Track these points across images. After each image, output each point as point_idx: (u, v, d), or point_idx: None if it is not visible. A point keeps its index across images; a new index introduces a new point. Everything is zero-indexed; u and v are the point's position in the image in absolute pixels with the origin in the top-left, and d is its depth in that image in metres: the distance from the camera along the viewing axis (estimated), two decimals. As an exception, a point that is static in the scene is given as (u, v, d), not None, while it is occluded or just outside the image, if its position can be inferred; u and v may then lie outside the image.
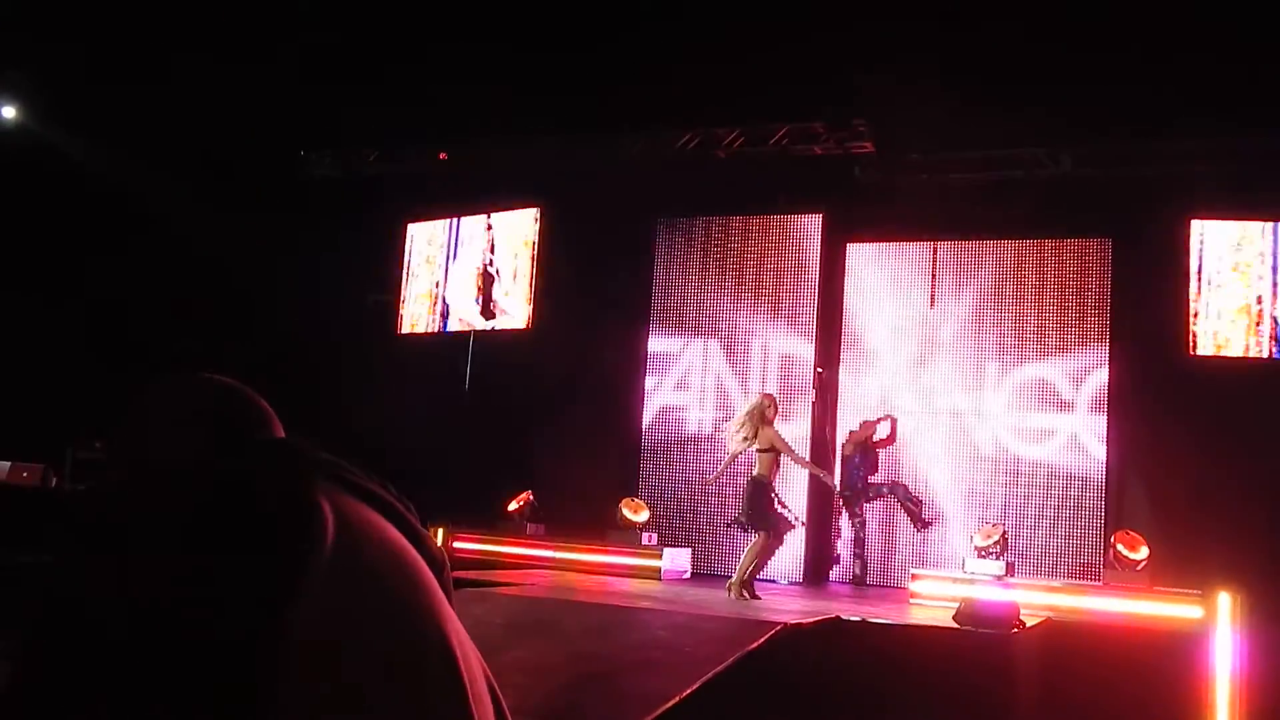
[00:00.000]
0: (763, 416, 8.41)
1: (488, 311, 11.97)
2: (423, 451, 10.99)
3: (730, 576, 8.66)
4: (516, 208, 11.94)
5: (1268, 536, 8.88)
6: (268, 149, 12.13)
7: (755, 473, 8.46)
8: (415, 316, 12.59)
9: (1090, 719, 6.64)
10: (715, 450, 11.05)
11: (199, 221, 11.52)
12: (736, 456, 8.74)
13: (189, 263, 11.66)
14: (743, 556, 8.62)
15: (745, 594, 8.34)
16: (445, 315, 12.37)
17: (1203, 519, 9.10)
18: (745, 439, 8.45)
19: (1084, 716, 6.64)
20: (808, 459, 9.62)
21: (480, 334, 12.03)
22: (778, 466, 8.49)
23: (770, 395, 8.84)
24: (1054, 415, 10.23)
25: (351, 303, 12.91)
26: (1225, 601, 7.35)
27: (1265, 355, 9.55)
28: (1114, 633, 7.67)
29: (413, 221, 12.66)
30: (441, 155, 12.54)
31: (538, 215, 11.77)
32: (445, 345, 12.29)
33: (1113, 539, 8.97)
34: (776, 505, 8.41)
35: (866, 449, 10.58)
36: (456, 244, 12.40)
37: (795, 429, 10.26)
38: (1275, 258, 9.64)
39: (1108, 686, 6.85)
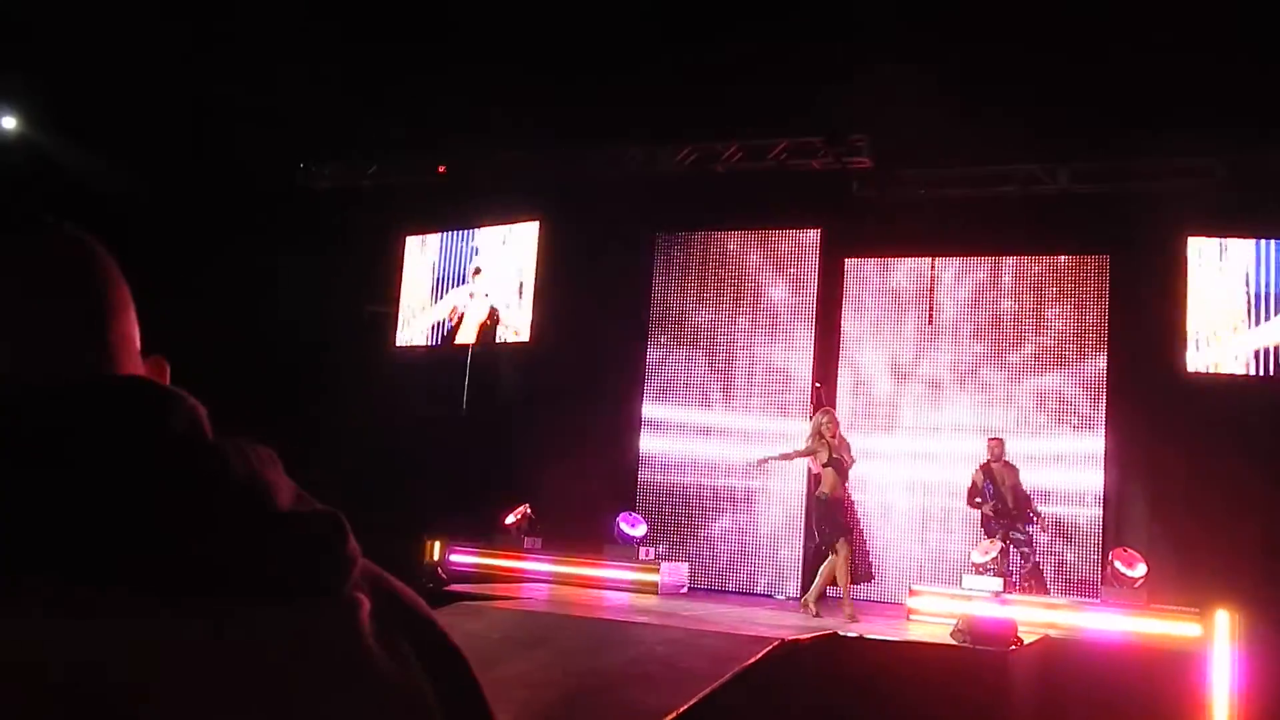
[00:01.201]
0: (819, 434, 8.59)
1: (485, 323, 11.95)
2: (419, 463, 10.96)
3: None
4: (516, 221, 11.95)
5: (1265, 554, 8.86)
6: (268, 160, 12.13)
7: (820, 491, 8.57)
8: (413, 328, 12.57)
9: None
10: (712, 464, 11.04)
11: (198, 231, 11.50)
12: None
13: (186, 271, 11.64)
14: (819, 575, 8.65)
15: (850, 611, 8.36)
16: (442, 327, 12.35)
17: (1200, 536, 9.08)
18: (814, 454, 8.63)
19: (1082, 734, 6.61)
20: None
21: (478, 346, 12.02)
22: (844, 479, 8.62)
23: (828, 410, 8.95)
24: (1052, 431, 10.21)
25: (349, 314, 12.89)
26: (1223, 619, 7.33)
27: (1262, 373, 9.55)
28: (1111, 651, 7.64)
29: (411, 234, 12.65)
30: (440, 168, 12.55)
31: (537, 228, 11.77)
32: (442, 357, 12.28)
33: (1110, 556, 8.93)
34: (846, 515, 8.62)
35: (990, 472, 9.66)
36: (454, 256, 12.40)
37: (793, 445, 10.22)
38: (1272, 275, 9.65)
39: (1105, 705, 6.83)
